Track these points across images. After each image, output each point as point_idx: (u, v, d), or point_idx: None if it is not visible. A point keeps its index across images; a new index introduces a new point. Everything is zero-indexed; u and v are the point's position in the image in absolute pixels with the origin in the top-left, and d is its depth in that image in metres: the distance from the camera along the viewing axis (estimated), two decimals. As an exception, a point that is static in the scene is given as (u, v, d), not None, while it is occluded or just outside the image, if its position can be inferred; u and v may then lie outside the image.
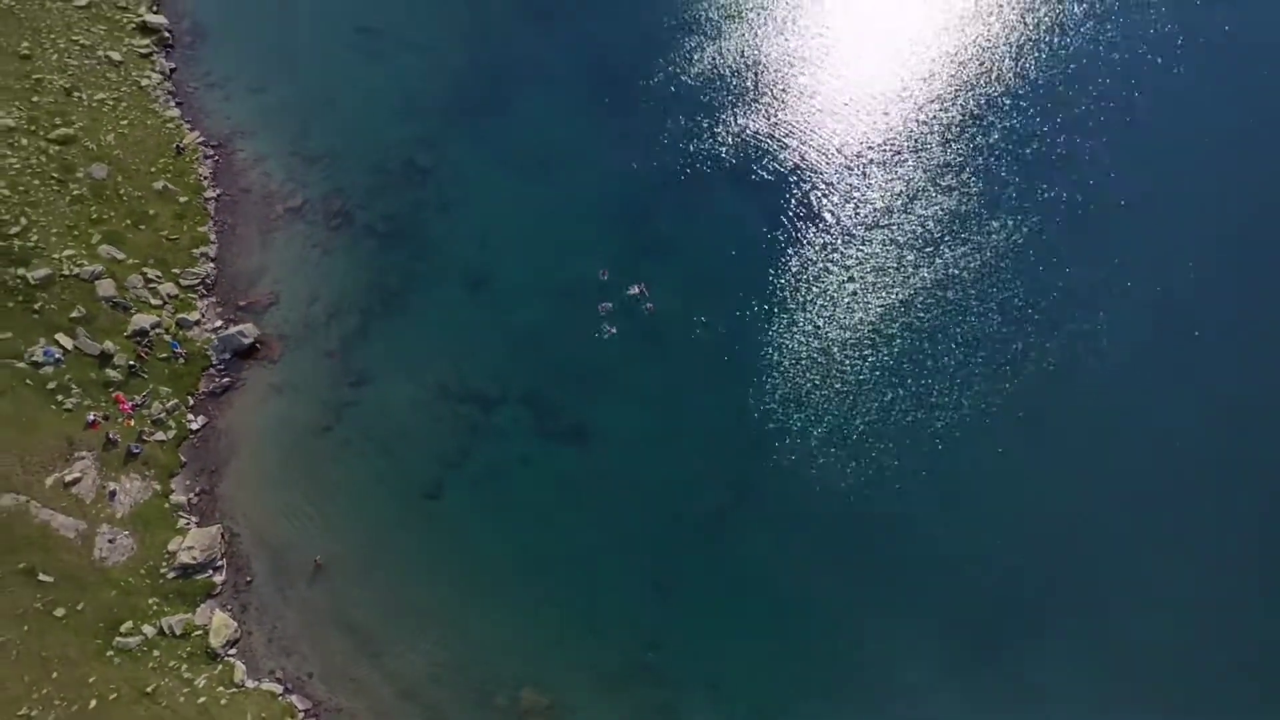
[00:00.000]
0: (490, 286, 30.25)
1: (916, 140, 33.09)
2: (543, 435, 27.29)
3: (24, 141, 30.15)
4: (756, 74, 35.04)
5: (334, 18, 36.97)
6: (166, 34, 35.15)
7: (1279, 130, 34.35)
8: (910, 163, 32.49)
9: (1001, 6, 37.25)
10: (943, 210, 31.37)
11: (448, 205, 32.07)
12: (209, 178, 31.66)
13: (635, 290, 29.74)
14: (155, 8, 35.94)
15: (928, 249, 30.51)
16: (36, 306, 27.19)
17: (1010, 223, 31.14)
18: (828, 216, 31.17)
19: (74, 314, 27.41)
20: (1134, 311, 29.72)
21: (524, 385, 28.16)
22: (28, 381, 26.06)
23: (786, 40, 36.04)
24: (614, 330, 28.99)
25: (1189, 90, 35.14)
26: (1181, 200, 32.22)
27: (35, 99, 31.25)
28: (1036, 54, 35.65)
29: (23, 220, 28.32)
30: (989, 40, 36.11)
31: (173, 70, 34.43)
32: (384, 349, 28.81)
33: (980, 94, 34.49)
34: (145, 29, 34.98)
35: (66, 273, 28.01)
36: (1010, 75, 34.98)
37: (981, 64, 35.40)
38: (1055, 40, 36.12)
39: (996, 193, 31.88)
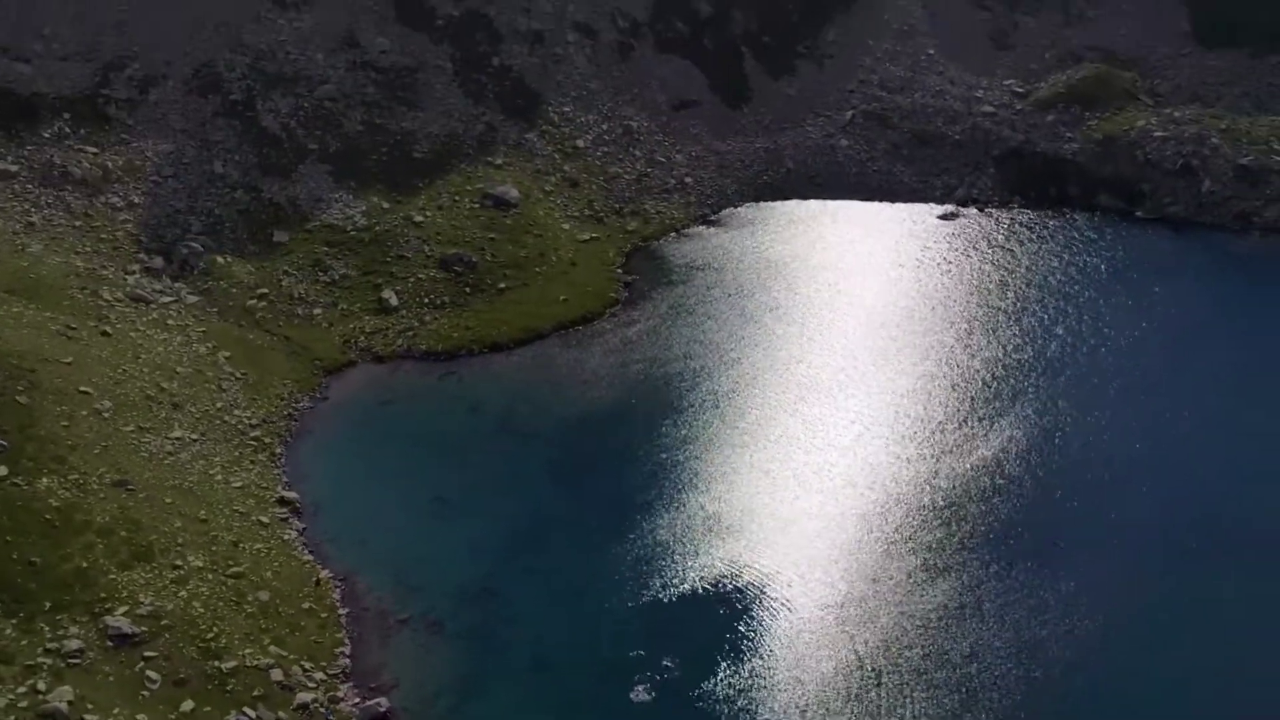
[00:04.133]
0: (549, 666, 42.54)
1: (851, 546, 48.22)
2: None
3: (209, 576, 43.45)
4: (732, 518, 50.68)
5: (415, 492, 52.35)
6: (298, 505, 50.20)
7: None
8: (849, 563, 47.27)
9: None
10: (863, 589, 45.61)
11: (513, 618, 45.15)
12: (340, 600, 44.70)
13: (664, 663, 42.33)
14: (288, 487, 51.39)
15: (850, 618, 44.25)
16: (228, 687, 38.72)
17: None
18: (798, 603, 45.10)
19: (255, 693, 38.83)
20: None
21: (586, 736, 39.57)
22: (226, 740, 36.93)
23: (742, 492, 52.35)
24: (649, 691, 41.10)
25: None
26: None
27: (213, 548, 45.08)
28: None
29: (215, 629, 40.75)
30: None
31: (304, 529, 48.89)
32: (473, 712, 40.36)
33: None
34: (283, 501, 49.97)
35: (248, 665, 39.91)
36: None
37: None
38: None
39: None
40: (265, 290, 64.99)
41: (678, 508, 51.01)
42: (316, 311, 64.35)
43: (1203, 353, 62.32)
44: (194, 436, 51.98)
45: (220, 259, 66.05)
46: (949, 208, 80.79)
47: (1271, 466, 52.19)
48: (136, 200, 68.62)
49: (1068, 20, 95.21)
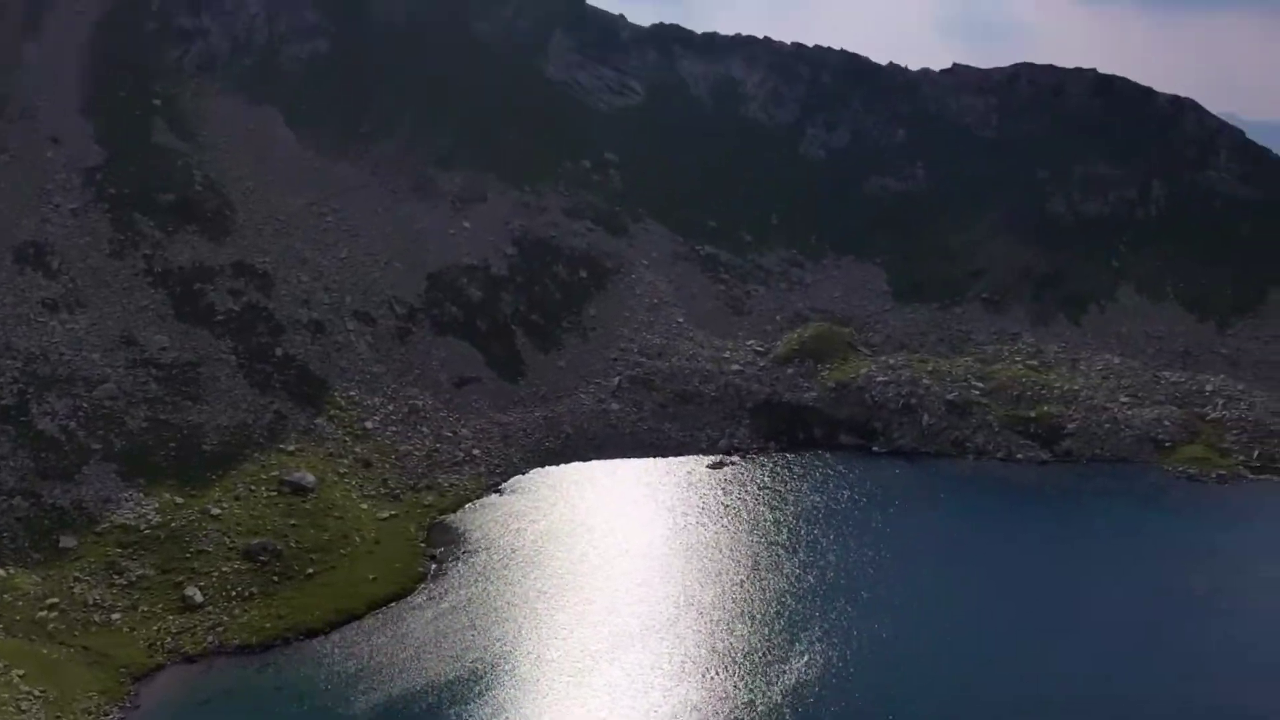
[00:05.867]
0: None
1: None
2: None
3: None
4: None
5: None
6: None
7: None
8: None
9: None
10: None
11: None
12: None
13: None
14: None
15: None
16: None
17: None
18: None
19: None
20: None
21: None
22: None
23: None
24: None
25: None
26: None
27: None
28: None
29: None
30: None
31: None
32: None
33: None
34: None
35: None
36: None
37: None
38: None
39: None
40: (55, 599, 63.58)
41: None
42: (115, 616, 63.41)
43: (945, 562, 74.30)
44: (-1, 765, 49.94)
45: (2, 571, 64.41)
46: (716, 457, 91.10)
47: (1021, 651, 62.98)
48: (-100, 518, 66.27)
49: (790, 287, 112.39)
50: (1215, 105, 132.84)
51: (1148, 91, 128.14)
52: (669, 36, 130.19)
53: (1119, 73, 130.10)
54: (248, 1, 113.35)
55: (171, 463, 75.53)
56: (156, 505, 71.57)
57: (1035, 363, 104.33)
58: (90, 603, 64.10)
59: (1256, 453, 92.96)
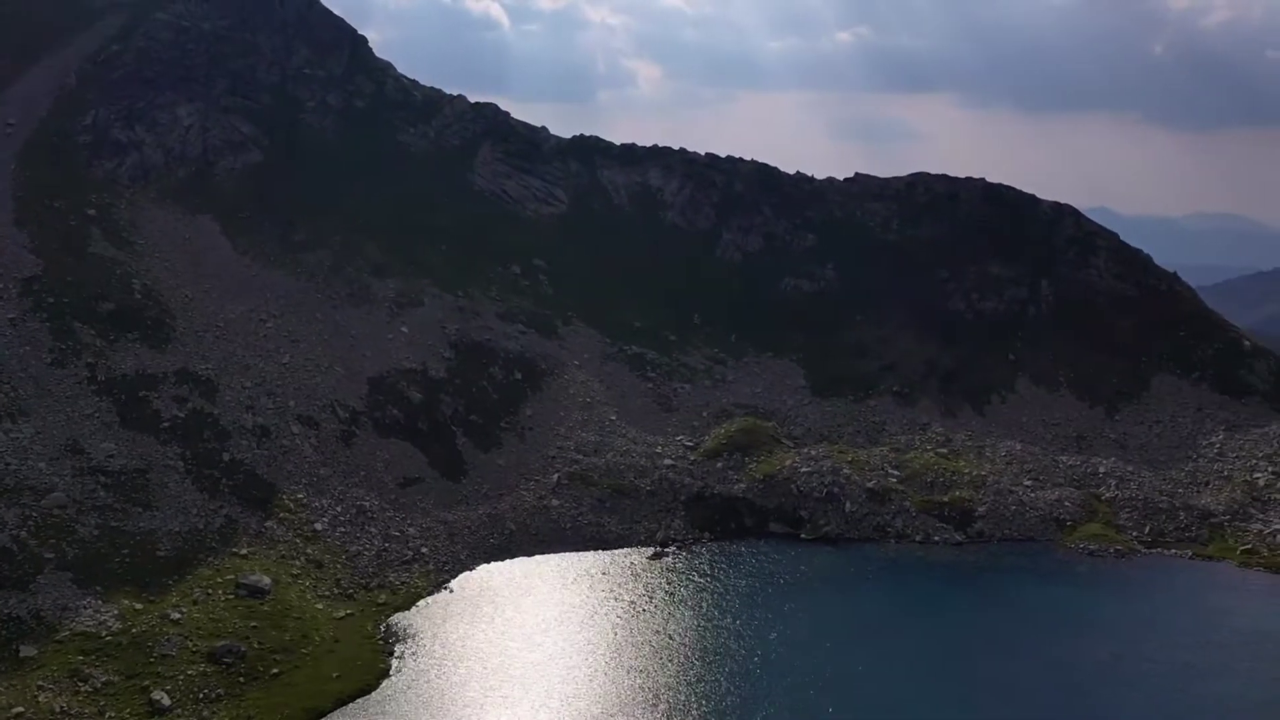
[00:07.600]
0: None
1: None
2: None
3: None
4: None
5: None
6: None
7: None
8: None
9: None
10: None
11: None
12: None
13: None
14: None
15: None
16: None
17: None
18: None
19: None
20: None
21: None
22: None
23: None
24: None
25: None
26: None
27: None
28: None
29: None
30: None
31: None
32: None
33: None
34: None
35: None
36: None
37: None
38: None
39: None
40: (20, 709, 64.79)
41: None
42: (83, 723, 65.03)
43: (874, 639, 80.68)
44: None
45: (-37, 683, 65.48)
46: (654, 549, 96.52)
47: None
48: None
49: (714, 384, 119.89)
50: (1090, 200, 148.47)
51: (1032, 198, 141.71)
52: (590, 147, 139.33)
53: (999, 172, 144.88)
54: (181, 115, 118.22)
55: (127, 569, 77.37)
56: (116, 612, 73.32)
57: (945, 450, 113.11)
58: (57, 710, 65.43)
59: (1148, 529, 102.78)
